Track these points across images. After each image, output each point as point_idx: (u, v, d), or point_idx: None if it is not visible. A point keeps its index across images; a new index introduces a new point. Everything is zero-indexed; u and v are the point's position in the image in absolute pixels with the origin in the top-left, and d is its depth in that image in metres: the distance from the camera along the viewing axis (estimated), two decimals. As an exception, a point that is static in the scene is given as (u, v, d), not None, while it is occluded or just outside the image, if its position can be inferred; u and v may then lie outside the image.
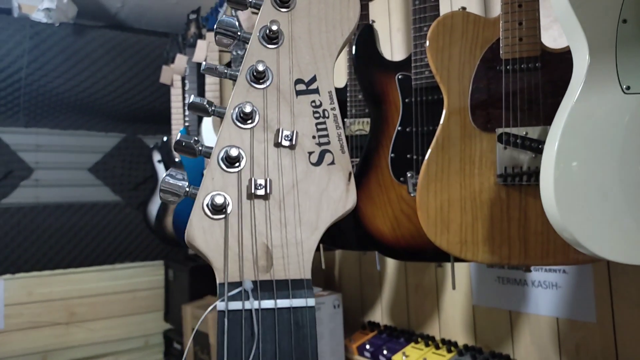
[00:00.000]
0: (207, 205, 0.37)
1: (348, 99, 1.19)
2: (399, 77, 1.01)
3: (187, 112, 2.13)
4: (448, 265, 0.97)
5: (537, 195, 0.76)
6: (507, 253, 0.79)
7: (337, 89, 0.51)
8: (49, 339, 2.33)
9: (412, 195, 0.98)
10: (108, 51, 2.37)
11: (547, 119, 0.78)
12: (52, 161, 2.41)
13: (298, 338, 0.35)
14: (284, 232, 0.37)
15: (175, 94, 2.24)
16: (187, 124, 2.08)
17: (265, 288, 0.36)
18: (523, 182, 0.79)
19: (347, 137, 1.19)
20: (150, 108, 2.54)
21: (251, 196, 0.38)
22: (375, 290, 1.59)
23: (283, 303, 0.36)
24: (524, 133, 0.79)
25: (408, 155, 0.99)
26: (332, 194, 0.40)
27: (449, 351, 1.23)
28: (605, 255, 0.60)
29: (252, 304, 0.34)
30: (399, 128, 1.00)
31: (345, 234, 1.16)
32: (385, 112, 1.02)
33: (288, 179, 0.39)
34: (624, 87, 0.61)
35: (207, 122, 1.90)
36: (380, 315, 1.58)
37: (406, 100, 1.00)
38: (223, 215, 0.37)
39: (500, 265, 0.81)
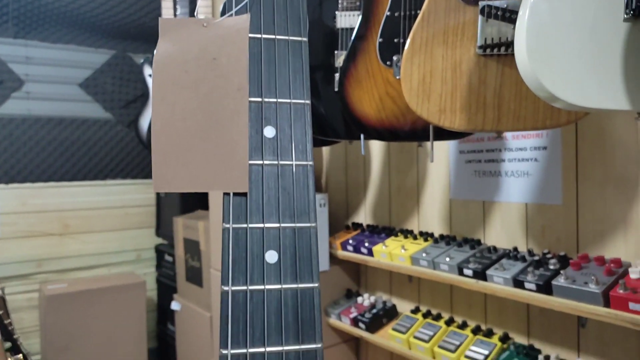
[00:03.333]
0: None
1: (340, -9, 1.21)
2: (390, -38, 1.03)
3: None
4: (428, 144, 1.03)
5: (513, 65, 0.81)
6: (481, 119, 0.86)
7: None
8: (44, 248, 2.42)
9: (397, 78, 1.03)
10: (97, -39, 2.32)
11: (527, -8, 0.82)
12: (43, 74, 2.40)
13: None
14: None
15: (167, 7, 2.22)
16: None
17: None
18: (501, 52, 0.84)
19: (337, 30, 1.22)
20: (140, 23, 2.52)
21: None
22: (360, 195, 1.67)
23: None
24: (506, 5, 0.83)
25: (395, 40, 1.03)
26: None
27: (426, 240, 1.32)
28: (580, 102, 0.65)
29: None
30: (388, 13, 1.04)
31: (332, 123, 1.22)
32: (376, -2, 1.05)
33: None
34: (598, -59, 0.65)
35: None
36: (363, 217, 1.67)
37: (396, -15, 1.03)
38: None
39: (474, 131, 0.87)
